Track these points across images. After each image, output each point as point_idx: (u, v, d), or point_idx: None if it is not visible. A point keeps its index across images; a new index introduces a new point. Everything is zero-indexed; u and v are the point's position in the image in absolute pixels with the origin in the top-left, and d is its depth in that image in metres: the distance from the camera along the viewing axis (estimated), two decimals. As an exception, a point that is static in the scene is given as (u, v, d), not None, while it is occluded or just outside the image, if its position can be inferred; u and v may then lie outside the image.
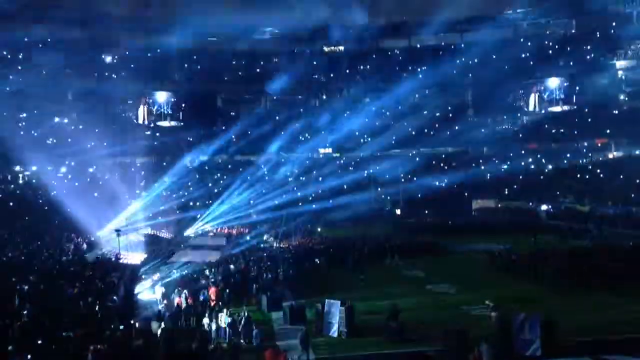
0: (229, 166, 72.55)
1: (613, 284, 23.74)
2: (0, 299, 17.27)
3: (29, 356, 12.58)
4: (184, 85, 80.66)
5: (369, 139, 74.63)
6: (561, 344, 16.56)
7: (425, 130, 74.38)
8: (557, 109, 79.98)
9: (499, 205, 62.78)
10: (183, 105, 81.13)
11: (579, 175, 64.47)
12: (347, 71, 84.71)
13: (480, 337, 15.39)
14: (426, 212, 60.09)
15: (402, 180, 64.82)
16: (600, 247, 34.35)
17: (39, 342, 13.64)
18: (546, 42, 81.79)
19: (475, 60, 79.02)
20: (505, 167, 70.13)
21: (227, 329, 18.92)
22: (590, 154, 70.64)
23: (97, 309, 18.41)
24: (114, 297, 20.63)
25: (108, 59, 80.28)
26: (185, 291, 23.18)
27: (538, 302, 21.63)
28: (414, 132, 73.54)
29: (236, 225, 53.78)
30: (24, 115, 64.50)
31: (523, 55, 79.02)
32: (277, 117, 78.20)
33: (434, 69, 75.12)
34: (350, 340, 18.71)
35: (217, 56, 78.49)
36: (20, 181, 57.02)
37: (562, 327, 16.88)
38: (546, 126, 75.50)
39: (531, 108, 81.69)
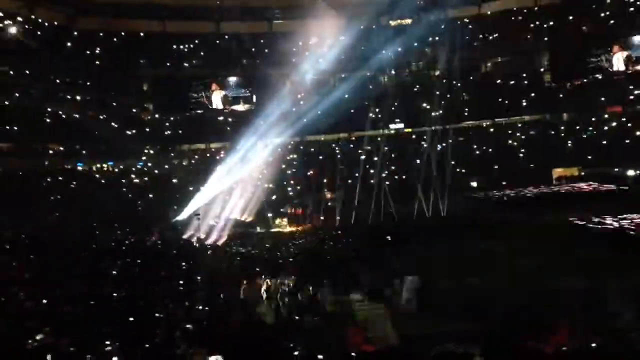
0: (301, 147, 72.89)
1: None
2: (92, 284, 18.33)
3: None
4: (254, 69, 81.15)
5: (440, 112, 72.64)
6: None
7: (499, 100, 71.59)
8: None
9: (582, 173, 59.87)
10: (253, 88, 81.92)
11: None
12: (415, 44, 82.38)
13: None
14: (503, 183, 58.33)
15: (476, 152, 63.02)
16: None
17: (131, 321, 14.17)
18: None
19: (551, 23, 74.89)
20: (588, 133, 66.68)
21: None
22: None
23: (184, 290, 19.25)
24: (198, 278, 21.53)
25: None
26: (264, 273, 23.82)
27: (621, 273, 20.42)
28: (485, 102, 71.06)
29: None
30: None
31: (602, 15, 73.91)
32: (345, 96, 77.00)
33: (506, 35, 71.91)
34: (427, 314, 18.55)
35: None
36: (104, 172, 60.22)
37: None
38: (631, 87, 70.65)
39: (614, 68, 76.44)
